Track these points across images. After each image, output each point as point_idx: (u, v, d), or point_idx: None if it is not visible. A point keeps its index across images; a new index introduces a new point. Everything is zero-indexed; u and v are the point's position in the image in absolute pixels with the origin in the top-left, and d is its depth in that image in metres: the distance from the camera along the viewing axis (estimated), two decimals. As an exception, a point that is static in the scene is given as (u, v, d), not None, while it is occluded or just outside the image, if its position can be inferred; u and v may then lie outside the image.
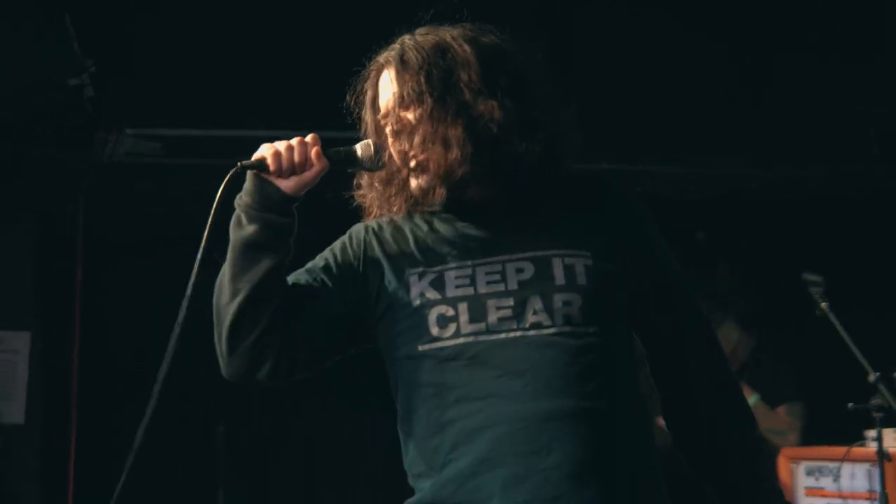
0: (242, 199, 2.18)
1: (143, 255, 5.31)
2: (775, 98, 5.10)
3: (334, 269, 2.25)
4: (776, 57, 5.08)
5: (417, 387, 2.17)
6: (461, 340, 2.13)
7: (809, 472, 4.50)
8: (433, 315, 2.15)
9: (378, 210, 2.29)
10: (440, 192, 2.20)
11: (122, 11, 4.76)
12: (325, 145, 2.24)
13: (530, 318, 2.13)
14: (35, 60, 4.54)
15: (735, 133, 5.11)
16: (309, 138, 2.20)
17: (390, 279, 2.21)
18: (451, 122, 2.16)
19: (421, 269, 2.20)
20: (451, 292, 2.16)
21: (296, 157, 2.16)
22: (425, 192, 2.22)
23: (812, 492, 4.47)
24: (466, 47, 2.22)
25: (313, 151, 2.18)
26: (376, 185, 2.29)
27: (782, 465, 4.60)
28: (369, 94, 2.29)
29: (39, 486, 5.28)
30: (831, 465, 4.38)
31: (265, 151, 2.17)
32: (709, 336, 2.30)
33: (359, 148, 2.25)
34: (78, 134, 5.00)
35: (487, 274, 2.16)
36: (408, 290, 2.19)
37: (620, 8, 5.00)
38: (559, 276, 2.15)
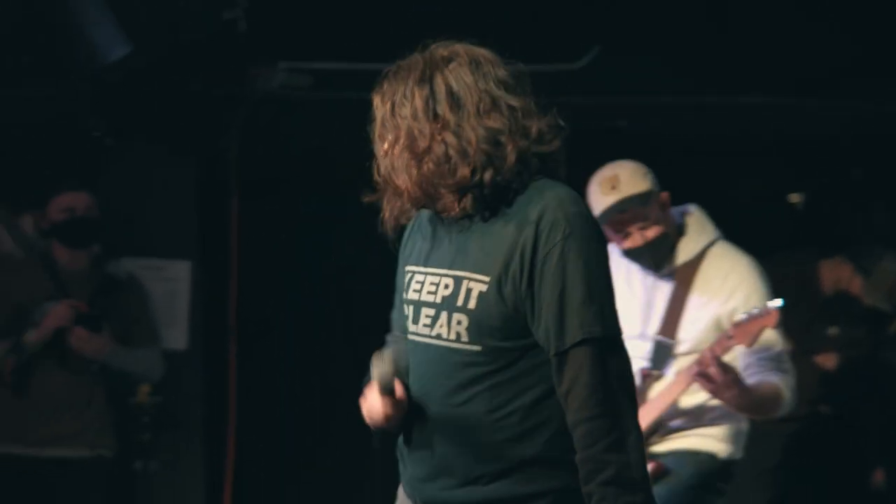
0: None
1: (295, 187, 5.38)
2: None
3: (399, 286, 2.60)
4: None
5: None
6: (410, 337, 2.50)
7: None
8: (404, 311, 2.52)
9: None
10: (403, 209, 2.46)
11: None
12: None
13: (436, 330, 2.41)
14: None
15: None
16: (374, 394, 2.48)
17: (403, 273, 2.56)
18: (409, 157, 2.37)
19: (408, 269, 2.53)
20: (410, 295, 2.49)
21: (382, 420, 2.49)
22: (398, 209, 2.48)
23: None
24: (428, 79, 2.37)
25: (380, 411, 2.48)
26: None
27: None
28: None
29: (201, 410, 5.40)
30: None
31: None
32: (571, 369, 2.32)
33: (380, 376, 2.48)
34: (231, 69, 5.09)
35: (430, 284, 2.44)
36: (399, 289, 2.57)
37: None
38: (461, 298, 2.37)
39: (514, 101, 2.37)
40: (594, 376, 2.29)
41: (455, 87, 2.36)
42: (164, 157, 5.43)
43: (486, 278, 2.34)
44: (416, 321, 2.46)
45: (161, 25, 4.57)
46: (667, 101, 5.21)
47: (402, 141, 2.37)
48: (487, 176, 2.33)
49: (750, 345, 3.45)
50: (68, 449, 4.67)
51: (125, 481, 5.03)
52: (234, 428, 5.32)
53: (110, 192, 5.11)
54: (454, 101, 2.35)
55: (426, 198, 2.40)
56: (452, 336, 2.38)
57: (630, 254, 3.72)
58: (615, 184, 3.64)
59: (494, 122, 2.34)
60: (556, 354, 2.31)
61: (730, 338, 3.46)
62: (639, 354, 3.67)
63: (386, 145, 2.41)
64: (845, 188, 5.55)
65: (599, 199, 3.66)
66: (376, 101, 2.43)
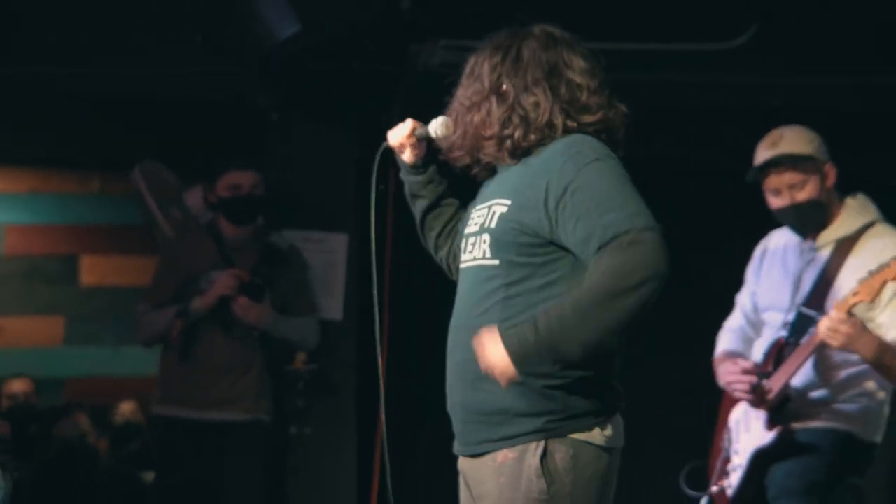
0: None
1: (450, 164, 5.40)
2: None
3: None
4: None
5: None
6: (460, 266, 2.79)
7: None
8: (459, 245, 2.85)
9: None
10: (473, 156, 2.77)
11: None
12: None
13: (472, 252, 2.72)
14: None
15: None
16: (408, 124, 2.90)
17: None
18: (491, 108, 2.70)
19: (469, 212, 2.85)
20: (462, 230, 2.82)
21: (396, 142, 2.92)
22: (460, 161, 2.82)
23: None
24: (507, 49, 2.73)
25: (405, 129, 2.89)
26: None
27: None
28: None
29: (355, 378, 5.44)
30: None
31: (389, 136, 2.94)
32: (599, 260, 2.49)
33: (431, 126, 2.86)
34: (394, 46, 5.14)
35: (475, 217, 2.75)
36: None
37: None
38: (488, 220, 2.68)
39: (575, 77, 2.68)
40: (614, 265, 2.44)
41: (525, 55, 2.70)
42: (327, 133, 5.50)
43: (508, 201, 2.65)
44: (464, 251, 2.76)
45: (329, 5, 4.66)
46: (824, 80, 5.12)
47: (469, 95, 2.76)
48: (521, 132, 2.66)
49: (872, 300, 3.43)
50: (229, 413, 4.77)
51: (281, 445, 5.15)
52: (385, 397, 5.35)
53: (275, 165, 5.21)
54: (517, 66, 2.69)
55: (473, 148, 2.74)
56: (480, 254, 2.68)
57: (778, 214, 3.75)
58: (777, 141, 3.71)
59: (545, 90, 2.66)
60: (593, 257, 2.48)
61: (855, 294, 3.44)
62: (780, 324, 3.69)
63: (464, 100, 2.77)
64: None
65: (760, 153, 3.72)
66: (477, 59, 2.80)
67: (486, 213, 2.70)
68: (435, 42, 5.05)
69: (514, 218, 2.64)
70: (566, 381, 2.53)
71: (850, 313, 3.45)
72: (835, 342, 3.45)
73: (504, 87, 2.70)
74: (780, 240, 3.86)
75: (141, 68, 5.24)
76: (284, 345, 4.98)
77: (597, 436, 2.55)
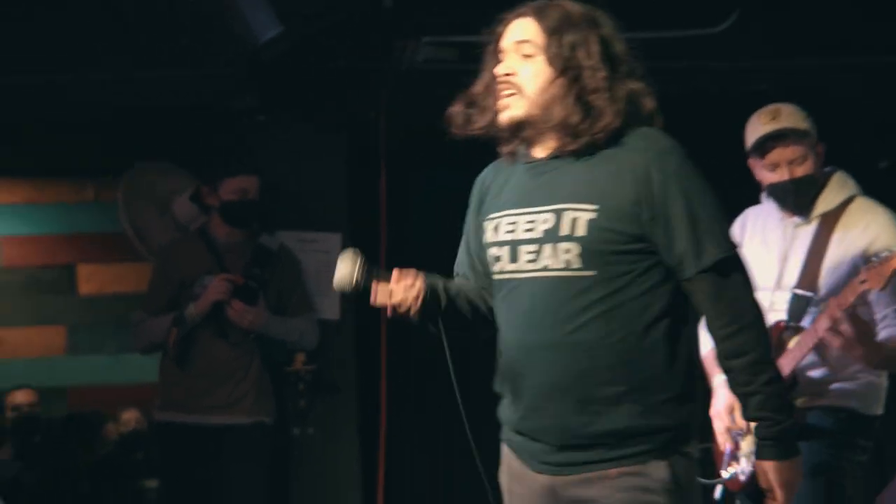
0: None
1: (441, 160, 5.35)
2: None
3: (473, 223, 2.78)
4: None
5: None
6: (503, 277, 2.61)
7: None
8: (491, 255, 2.65)
9: (481, 122, 2.66)
10: (522, 132, 2.60)
11: None
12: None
13: (542, 262, 2.52)
14: None
15: None
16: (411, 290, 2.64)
17: (479, 226, 2.73)
18: (568, 87, 2.54)
19: (491, 216, 2.67)
20: (501, 237, 2.62)
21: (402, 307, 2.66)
22: (512, 129, 2.60)
23: None
24: (588, 27, 2.57)
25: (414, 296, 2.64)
26: (476, 103, 2.69)
27: None
28: (498, 34, 2.67)
29: (355, 377, 5.42)
30: None
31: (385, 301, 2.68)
32: (717, 284, 2.51)
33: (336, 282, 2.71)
34: (377, 44, 5.08)
35: (526, 223, 2.57)
36: (484, 233, 2.69)
37: None
38: (565, 227, 2.50)
39: (637, 68, 2.60)
40: (737, 290, 2.52)
41: (615, 45, 2.59)
42: (315, 133, 5.46)
43: (593, 206, 2.49)
44: (514, 259, 2.57)
45: (311, 5, 4.62)
46: (808, 62, 5.09)
47: (564, 71, 2.54)
48: (614, 125, 2.53)
49: (883, 288, 3.34)
50: (230, 416, 4.72)
51: (284, 447, 5.10)
52: (385, 394, 5.33)
53: (265, 167, 5.14)
54: (614, 56, 2.57)
55: (540, 123, 2.55)
56: (561, 264, 2.50)
57: (775, 190, 3.68)
58: (776, 115, 3.65)
59: (629, 84, 2.57)
60: (697, 272, 2.48)
61: (862, 282, 3.35)
62: (775, 307, 3.62)
63: (539, 66, 2.56)
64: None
65: (757, 127, 3.65)
66: (528, 21, 2.60)
67: (553, 218, 2.52)
68: (418, 39, 5.02)
69: (608, 226, 2.49)
70: (674, 394, 2.52)
71: (853, 310, 3.38)
72: (835, 345, 3.42)
73: (608, 74, 2.55)
74: (758, 218, 3.80)
75: (128, 74, 5.19)
76: (283, 346, 4.93)
77: (693, 448, 2.58)
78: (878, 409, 3.65)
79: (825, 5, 4.69)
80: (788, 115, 3.62)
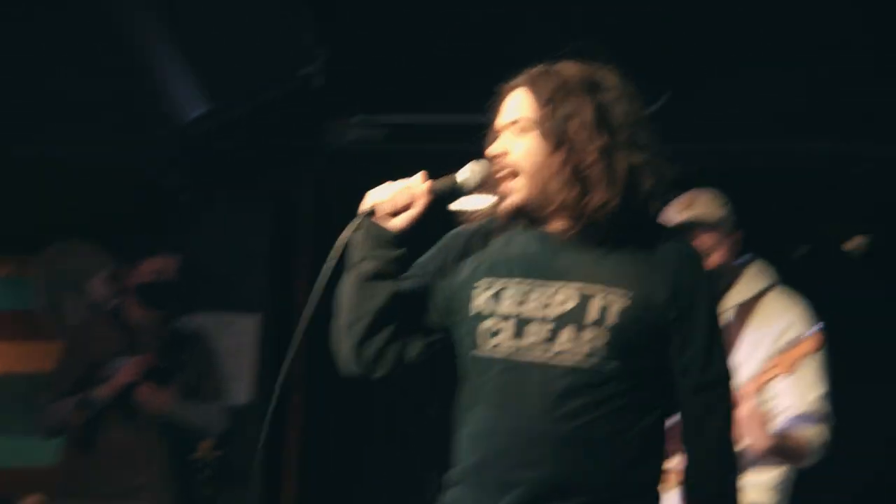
0: (359, 239, 2.46)
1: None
2: None
3: (431, 275, 2.53)
4: None
5: (465, 384, 2.47)
6: (499, 355, 2.38)
7: None
8: (484, 326, 2.41)
9: (473, 219, 2.55)
10: (526, 215, 2.44)
11: (346, 6, 4.78)
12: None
13: (558, 347, 2.34)
14: (269, 55, 4.58)
15: None
16: (417, 178, 2.46)
17: (462, 288, 2.48)
18: (563, 162, 2.37)
19: (486, 283, 2.44)
20: (503, 309, 2.39)
21: (403, 200, 2.44)
22: (513, 214, 2.44)
23: None
24: (586, 94, 2.40)
25: (419, 190, 2.45)
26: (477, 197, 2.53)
27: None
28: (497, 110, 2.49)
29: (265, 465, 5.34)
30: None
31: (376, 199, 2.45)
32: (710, 405, 2.45)
33: (460, 174, 2.48)
34: (307, 122, 5.16)
35: (536, 299, 2.37)
36: (470, 300, 2.44)
37: None
38: (593, 313, 2.34)
39: (647, 140, 2.43)
40: (730, 412, 2.45)
41: (616, 111, 2.41)
42: (240, 212, 5.51)
43: (629, 293, 2.35)
44: (519, 336, 2.37)
45: (239, 83, 4.59)
46: (739, 146, 5.17)
47: (558, 145, 2.38)
48: (614, 203, 2.36)
49: (791, 371, 3.39)
50: (132, 502, 4.63)
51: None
52: (294, 483, 5.32)
53: (186, 247, 5.09)
54: (613, 125, 2.40)
55: (541, 203, 2.40)
56: (585, 353, 2.33)
57: None
58: (690, 203, 3.67)
59: (638, 157, 2.39)
60: (702, 383, 2.41)
61: (774, 366, 3.41)
62: None
63: (533, 142, 2.41)
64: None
65: (672, 216, 3.66)
66: (521, 93, 2.45)
67: (577, 298, 2.36)
68: (347, 118, 5.12)
69: (640, 316, 2.35)
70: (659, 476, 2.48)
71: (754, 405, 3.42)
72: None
73: (610, 146, 2.37)
74: None
75: (52, 148, 5.16)
76: (190, 431, 4.82)
77: None
78: (784, 502, 3.64)
79: (755, 89, 4.76)
80: (702, 204, 3.64)
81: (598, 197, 2.35)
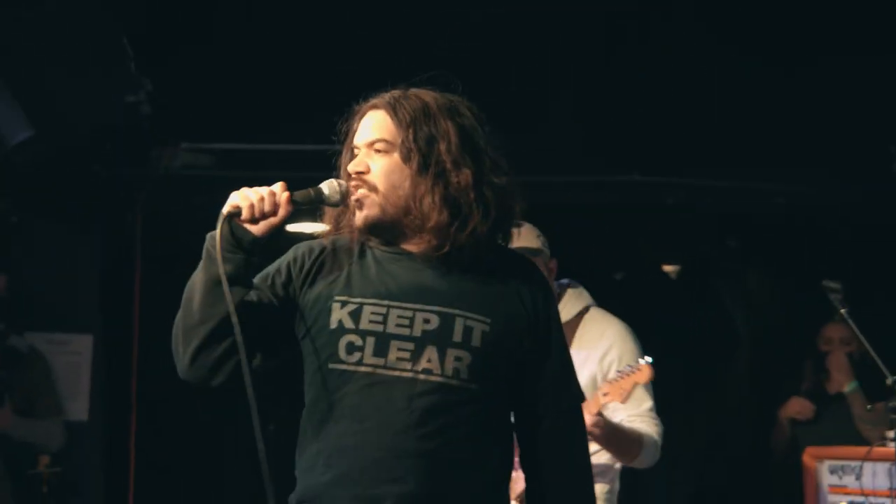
0: (216, 240, 2.32)
1: (196, 263, 5.40)
2: (803, 118, 5.10)
3: (277, 287, 2.43)
4: (804, 77, 5.05)
5: (318, 398, 2.38)
6: (361, 369, 2.33)
7: (833, 471, 4.55)
8: (344, 341, 2.34)
9: (326, 234, 2.49)
10: (382, 233, 2.41)
11: (173, 34, 4.87)
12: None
13: (423, 364, 2.32)
14: (95, 83, 4.64)
15: (763, 149, 5.13)
16: (277, 187, 2.36)
17: (317, 301, 2.40)
18: (430, 185, 2.36)
19: (344, 298, 2.37)
20: (363, 325, 2.34)
21: (266, 207, 2.33)
22: (368, 229, 2.40)
23: (836, 489, 4.53)
24: (448, 119, 2.40)
25: (283, 198, 2.35)
26: (330, 214, 2.49)
27: (807, 463, 4.65)
28: (353, 128, 2.46)
29: (103, 478, 5.36)
30: (853, 463, 4.42)
31: (239, 201, 2.34)
32: (569, 429, 2.48)
33: (325, 187, 2.42)
34: (136, 149, 5.16)
35: (398, 317, 2.34)
36: (329, 314, 2.36)
37: (659, 27, 5.05)
38: (458, 334, 2.34)
39: (501, 163, 2.45)
40: (585, 434, 2.51)
41: (476, 137, 2.42)
42: (70, 235, 5.46)
43: (488, 319, 2.36)
44: (382, 353, 2.33)
45: (65, 110, 4.61)
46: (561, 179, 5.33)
47: (425, 167, 2.36)
48: (483, 227, 2.37)
49: (624, 401, 3.49)
50: None
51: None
52: (133, 497, 5.28)
53: (16, 268, 5.11)
54: (477, 150, 2.40)
55: (397, 223, 2.38)
56: (448, 372, 2.32)
57: None
58: (516, 234, 3.75)
59: (500, 180, 2.41)
60: (561, 408, 2.44)
61: (605, 395, 3.49)
62: None
63: (393, 162, 2.38)
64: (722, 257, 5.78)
65: None
66: (381, 115, 2.42)
67: (438, 320, 2.34)
68: (176, 145, 5.11)
69: (499, 341, 2.37)
70: None
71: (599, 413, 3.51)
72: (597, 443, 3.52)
73: (475, 169, 2.38)
74: None
75: None
76: (27, 448, 4.82)
77: None
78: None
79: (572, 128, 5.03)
80: (524, 236, 3.69)
81: (470, 222, 2.35)
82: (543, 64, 4.97)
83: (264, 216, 2.34)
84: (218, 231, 2.31)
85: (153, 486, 5.39)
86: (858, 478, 4.37)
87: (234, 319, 2.27)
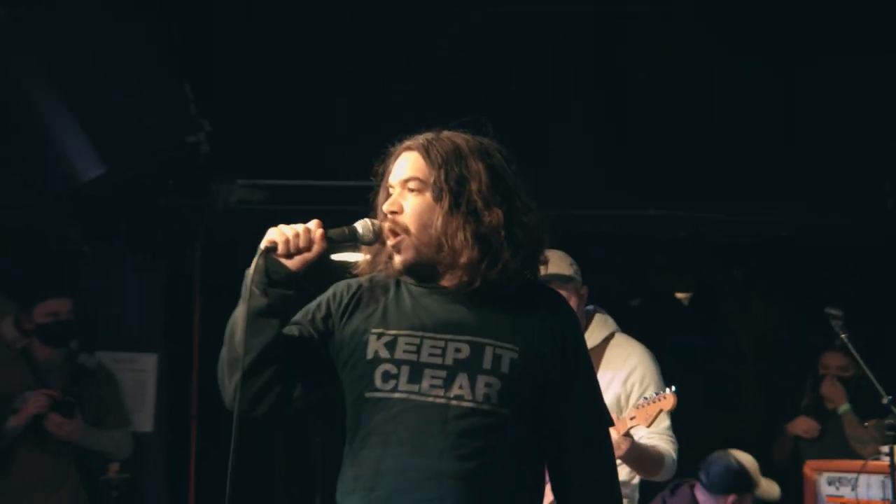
0: (254, 275, 2.40)
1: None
2: (805, 154, 5.29)
3: (318, 322, 2.51)
4: (806, 120, 5.23)
5: (358, 425, 2.46)
6: (396, 395, 2.40)
7: (831, 482, 4.80)
8: (380, 370, 2.42)
9: (363, 272, 2.57)
10: (416, 271, 2.48)
11: (230, 82, 5.16)
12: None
13: (455, 391, 2.38)
14: (159, 123, 4.86)
15: (767, 185, 5.28)
16: (313, 224, 2.45)
17: (355, 334, 2.48)
18: (462, 223, 2.42)
19: (380, 331, 2.46)
20: (398, 355, 2.42)
21: (301, 243, 2.42)
22: (406, 271, 2.49)
23: (833, 499, 4.77)
24: (479, 160, 2.48)
25: (317, 235, 2.44)
26: (367, 253, 2.57)
27: (808, 475, 4.91)
28: (388, 168, 2.55)
29: (166, 486, 5.60)
30: (850, 475, 4.67)
31: (276, 236, 2.42)
32: (599, 453, 2.55)
33: (359, 226, 2.50)
34: (196, 185, 5.44)
35: (431, 347, 2.41)
36: (366, 346, 2.45)
37: (670, 62, 5.17)
38: (487, 361, 2.41)
39: (530, 203, 2.50)
40: (613, 457, 2.59)
41: (506, 176, 2.47)
42: (136, 263, 5.68)
43: (517, 347, 2.41)
44: (416, 381, 2.38)
45: (132, 148, 4.83)
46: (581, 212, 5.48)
47: (456, 207, 2.41)
48: (513, 265, 2.42)
49: (649, 425, 3.61)
50: None
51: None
52: (194, 500, 5.51)
53: (89, 293, 5.38)
54: (507, 189, 2.46)
55: (431, 260, 2.43)
56: (479, 398, 2.37)
57: None
58: (546, 262, 3.90)
59: (532, 221, 2.47)
60: (588, 435, 2.49)
61: (632, 419, 3.62)
62: None
63: (426, 202, 2.44)
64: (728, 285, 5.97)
65: None
66: (414, 156, 2.47)
67: (469, 349, 2.40)
68: (232, 181, 5.34)
69: (528, 368, 2.41)
70: None
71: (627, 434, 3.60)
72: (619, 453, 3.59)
73: (506, 207, 2.43)
74: None
75: None
76: (98, 456, 5.09)
77: None
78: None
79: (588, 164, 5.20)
80: (554, 262, 3.71)
81: (501, 260, 2.40)
82: (543, 64, 5.08)
83: (299, 251, 2.41)
84: (253, 264, 2.38)
85: (212, 491, 5.64)
86: (854, 489, 4.62)
87: (241, 337, 2.35)
